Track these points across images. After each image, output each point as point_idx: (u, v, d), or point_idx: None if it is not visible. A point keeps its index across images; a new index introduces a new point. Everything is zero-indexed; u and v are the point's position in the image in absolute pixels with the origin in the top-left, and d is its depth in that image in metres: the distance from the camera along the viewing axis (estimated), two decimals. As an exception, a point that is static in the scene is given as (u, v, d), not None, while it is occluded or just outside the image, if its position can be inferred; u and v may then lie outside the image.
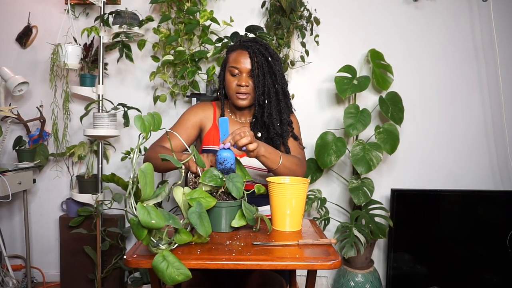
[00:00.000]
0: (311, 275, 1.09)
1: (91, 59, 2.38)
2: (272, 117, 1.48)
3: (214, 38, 2.33)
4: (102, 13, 2.30)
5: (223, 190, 1.15)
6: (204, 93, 2.39)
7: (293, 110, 1.62)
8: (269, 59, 1.47)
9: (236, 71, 1.47)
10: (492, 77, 2.48)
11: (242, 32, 2.30)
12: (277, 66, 1.48)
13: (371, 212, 2.22)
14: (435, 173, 2.52)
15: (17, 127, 2.50)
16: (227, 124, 1.22)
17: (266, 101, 1.46)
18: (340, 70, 2.31)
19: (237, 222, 1.10)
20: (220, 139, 1.21)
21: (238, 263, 0.90)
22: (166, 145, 1.48)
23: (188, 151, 1.21)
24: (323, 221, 2.23)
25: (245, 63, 1.46)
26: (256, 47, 1.47)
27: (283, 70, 1.55)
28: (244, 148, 1.21)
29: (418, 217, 2.36)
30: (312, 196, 2.26)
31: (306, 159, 2.34)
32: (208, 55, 2.26)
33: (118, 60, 2.43)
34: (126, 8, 2.29)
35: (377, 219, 2.21)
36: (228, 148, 1.17)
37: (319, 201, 2.25)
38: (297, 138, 1.56)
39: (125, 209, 0.94)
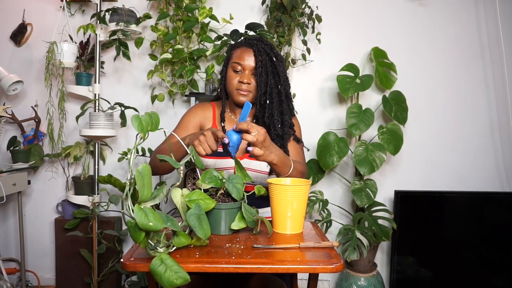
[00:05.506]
0: (313, 278, 1.08)
1: (87, 58, 2.35)
2: (273, 118, 1.46)
3: (213, 36, 2.29)
4: (98, 10, 2.27)
5: (222, 191, 1.13)
6: (203, 92, 2.36)
7: (295, 113, 1.60)
8: (274, 59, 1.47)
9: (239, 67, 1.46)
10: (498, 75, 2.45)
11: (242, 29, 2.25)
12: (281, 67, 1.48)
13: (374, 214, 2.20)
14: (440, 174, 2.49)
15: (12, 127, 2.47)
16: (249, 109, 1.20)
17: (267, 101, 1.45)
18: (342, 69, 2.27)
19: (236, 225, 1.09)
20: (239, 120, 1.20)
21: (238, 266, 0.89)
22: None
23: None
24: (325, 224, 2.21)
25: (249, 60, 1.45)
26: (261, 46, 1.47)
27: (286, 72, 1.53)
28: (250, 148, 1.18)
29: (422, 220, 2.33)
30: (314, 198, 2.24)
31: (307, 160, 2.33)
32: (207, 53, 2.22)
33: (115, 59, 2.40)
34: (123, 5, 2.27)
35: (380, 221, 2.18)
36: (240, 132, 1.16)
37: (321, 203, 2.22)
38: (299, 141, 1.54)
39: (122, 211, 0.93)
